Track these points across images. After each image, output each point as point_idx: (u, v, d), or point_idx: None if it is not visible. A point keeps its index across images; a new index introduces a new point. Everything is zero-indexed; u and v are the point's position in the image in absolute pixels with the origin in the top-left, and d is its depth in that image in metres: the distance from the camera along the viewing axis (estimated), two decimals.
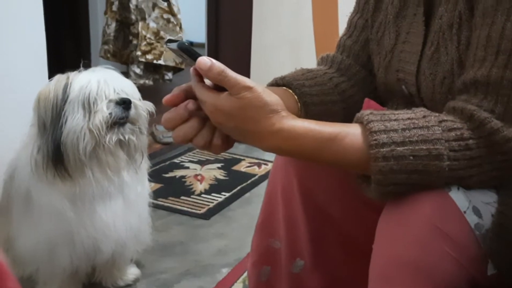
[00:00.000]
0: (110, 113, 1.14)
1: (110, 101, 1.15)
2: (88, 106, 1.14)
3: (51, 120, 1.14)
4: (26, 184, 1.22)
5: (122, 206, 1.27)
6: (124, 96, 1.17)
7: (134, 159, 1.23)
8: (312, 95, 0.90)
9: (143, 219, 1.36)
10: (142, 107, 1.20)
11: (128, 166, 1.23)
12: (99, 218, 1.23)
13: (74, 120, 1.13)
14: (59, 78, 1.19)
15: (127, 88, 1.20)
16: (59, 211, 1.20)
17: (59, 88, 1.15)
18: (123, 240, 1.29)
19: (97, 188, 1.20)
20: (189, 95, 0.70)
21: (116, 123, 1.16)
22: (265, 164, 2.42)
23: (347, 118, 0.77)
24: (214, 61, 0.65)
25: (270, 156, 2.36)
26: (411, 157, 0.65)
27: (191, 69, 0.68)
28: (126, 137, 1.18)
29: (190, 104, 0.68)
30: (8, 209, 1.29)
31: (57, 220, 1.21)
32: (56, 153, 1.14)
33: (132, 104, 1.17)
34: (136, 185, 1.30)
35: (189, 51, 0.66)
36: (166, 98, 0.69)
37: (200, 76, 0.68)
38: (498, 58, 0.68)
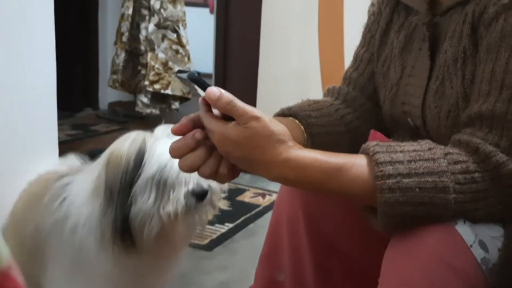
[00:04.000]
0: (186, 203, 1.05)
1: (188, 190, 1.05)
2: (163, 188, 1.04)
3: (119, 189, 1.05)
4: (83, 243, 1.12)
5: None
6: (203, 182, 1.06)
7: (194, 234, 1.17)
8: (318, 125, 0.91)
9: None
10: (218, 190, 1.10)
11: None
12: None
13: (145, 203, 1.03)
14: (135, 138, 1.07)
15: None
16: (111, 280, 1.14)
17: (132, 154, 1.04)
18: None
19: (155, 263, 1.15)
20: (197, 124, 0.70)
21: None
22: (269, 194, 2.41)
23: (353, 149, 0.78)
24: (223, 91, 0.66)
25: (275, 187, 2.35)
26: (417, 189, 0.65)
27: (200, 99, 0.69)
28: (195, 225, 1.11)
29: (197, 134, 0.68)
30: (42, 253, 1.19)
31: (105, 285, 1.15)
32: (124, 227, 1.05)
33: (208, 192, 1.07)
34: None
35: (198, 81, 0.68)
36: (174, 128, 0.70)
37: (208, 106, 0.69)
38: (502, 92, 0.69)
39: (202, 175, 0.70)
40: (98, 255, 1.11)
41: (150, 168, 1.03)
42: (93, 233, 1.09)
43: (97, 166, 1.11)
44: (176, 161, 1.00)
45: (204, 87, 0.67)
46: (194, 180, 1.05)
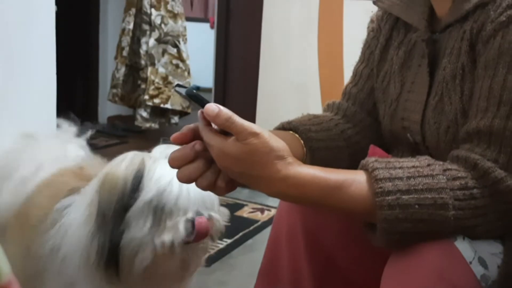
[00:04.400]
0: (185, 232, 0.96)
1: (186, 219, 0.96)
2: (160, 215, 0.96)
3: (113, 214, 0.97)
4: (73, 274, 1.05)
5: None
6: (204, 211, 0.98)
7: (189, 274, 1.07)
8: (318, 140, 0.91)
9: None
10: (219, 221, 1.01)
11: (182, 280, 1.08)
12: None
13: (139, 231, 0.95)
14: (133, 158, 0.99)
15: (207, 198, 0.99)
16: None
17: (129, 176, 0.97)
18: None
19: None
20: (197, 134, 0.70)
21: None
22: (268, 210, 2.40)
23: (353, 164, 0.78)
24: (221, 107, 0.65)
25: (274, 202, 2.34)
26: (417, 206, 0.65)
27: (199, 112, 0.69)
28: (189, 261, 1.02)
29: (197, 145, 0.68)
30: (40, 279, 1.12)
31: None
32: (112, 256, 0.97)
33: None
34: None
35: (196, 97, 0.67)
36: (174, 136, 0.70)
37: (207, 120, 0.68)
38: (500, 109, 0.70)
39: (199, 186, 0.69)
40: (86, 285, 1.04)
41: (148, 192, 0.95)
42: (82, 263, 1.02)
43: (92, 189, 1.04)
44: (177, 185, 0.96)
45: (202, 103, 0.67)
46: (193, 208, 0.97)
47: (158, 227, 0.96)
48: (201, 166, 0.68)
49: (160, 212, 0.95)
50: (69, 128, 1.40)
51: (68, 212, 1.08)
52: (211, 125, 0.68)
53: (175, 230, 0.95)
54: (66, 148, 1.35)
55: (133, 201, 0.96)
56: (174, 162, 0.69)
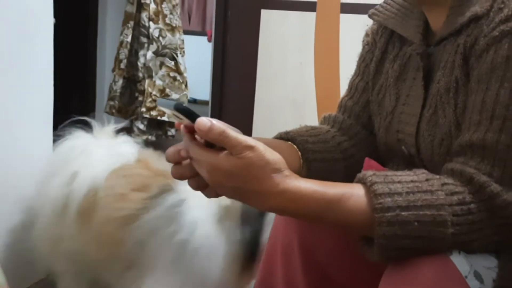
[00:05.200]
0: None
1: None
2: None
3: (255, 215, 1.11)
4: (205, 266, 1.18)
5: None
6: None
7: None
8: (315, 151, 0.91)
9: None
10: None
11: None
12: None
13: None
14: None
15: None
16: None
17: None
18: None
19: None
20: None
21: None
22: None
23: (349, 176, 0.77)
24: (214, 121, 0.63)
25: (270, 214, 2.33)
26: (416, 223, 0.65)
27: (182, 127, 0.66)
28: None
29: (183, 151, 0.67)
30: (138, 266, 1.24)
31: None
32: (251, 252, 1.14)
33: None
34: None
35: (186, 111, 0.64)
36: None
37: (192, 134, 0.66)
38: (493, 122, 0.70)
39: (191, 187, 0.69)
40: (220, 277, 1.16)
41: None
42: (217, 256, 1.15)
43: None
44: None
45: (192, 117, 0.63)
46: None
47: None
48: (193, 167, 0.67)
49: None
50: (107, 127, 1.50)
51: (185, 209, 1.21)
52: (196, 140, 0.65)
53: None
54: (120, 143, 1.46)
55: None
56: (169, 158, 0.68)
